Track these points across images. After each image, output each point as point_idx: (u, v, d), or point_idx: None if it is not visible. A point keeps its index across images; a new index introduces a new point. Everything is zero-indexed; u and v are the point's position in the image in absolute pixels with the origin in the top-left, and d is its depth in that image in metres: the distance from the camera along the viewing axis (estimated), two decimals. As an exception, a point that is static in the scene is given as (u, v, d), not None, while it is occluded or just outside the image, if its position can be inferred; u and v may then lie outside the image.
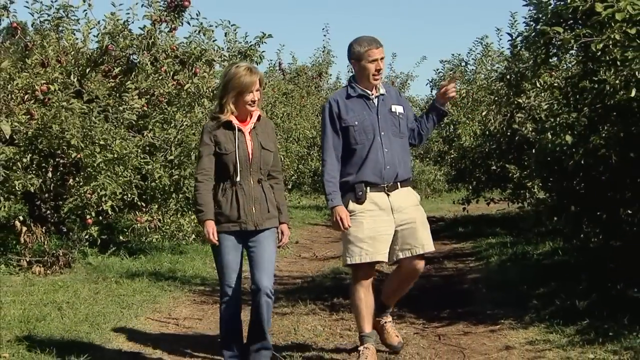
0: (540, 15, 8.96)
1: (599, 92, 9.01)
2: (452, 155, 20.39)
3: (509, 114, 14.93)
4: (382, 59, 7.05)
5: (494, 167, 16.61)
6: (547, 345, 7.44)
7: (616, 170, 9.55)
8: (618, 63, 8.09)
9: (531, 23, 9.33)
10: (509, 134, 15.10)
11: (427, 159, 28.21)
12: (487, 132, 16.20)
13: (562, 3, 8.80)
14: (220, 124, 6.49)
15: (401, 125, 7.13)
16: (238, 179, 6.45)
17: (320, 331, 8.41)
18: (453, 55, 23.00)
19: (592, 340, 7.56)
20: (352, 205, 6.95)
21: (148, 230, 12.51)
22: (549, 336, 7.81)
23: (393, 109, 7.12)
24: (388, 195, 6.97)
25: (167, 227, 12.88)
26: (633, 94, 7.83)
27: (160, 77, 12.76)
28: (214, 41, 13.49)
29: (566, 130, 9.64)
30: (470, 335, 8.12)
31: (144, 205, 12.65)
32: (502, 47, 20.00)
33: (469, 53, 20.89)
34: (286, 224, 6.75)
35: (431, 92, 23.11)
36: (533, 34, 9.05)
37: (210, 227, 6.41)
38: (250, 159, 6.49)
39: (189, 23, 13.15)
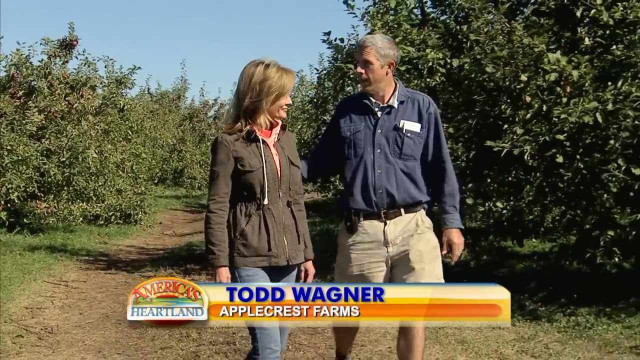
0: (338, 56, 9.15)
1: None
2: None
3: (316, 128, 15.15)
4: (366, 62, 4.29)
5: (307, 167, 16.75)
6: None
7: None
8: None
9: (332, 61, 9.53)
10: (317, 142, 15.32)
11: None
12: (302, 141, 16.37)
13: (353, 46, 9.02)
14: (239, 136, 3.87)
15: (405, 146, 4.34)
16: (266, 201, 3.86)
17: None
18: (278, 84, 23.10)
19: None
20: (343, 236, 4.46)
21: (46, 214, 12.44)
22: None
23: (400, 125, 4.34)
24: (385, 224, 4.34)
25: (61, 212, 12.93)
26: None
27: (55, 99, 12.60)
28: (96, 71, 13.68)
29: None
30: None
31: (43, 195, 12.43)
32: (313, 79, 20.28)
33: (288, 83, 21.07)
34: (311, 260, 4.12)
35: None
36: (333, 69, 9.25)
37: (224, 277, 3.77)
38: (279, 177, 3.91)
39: (77, 57, 13.23)
